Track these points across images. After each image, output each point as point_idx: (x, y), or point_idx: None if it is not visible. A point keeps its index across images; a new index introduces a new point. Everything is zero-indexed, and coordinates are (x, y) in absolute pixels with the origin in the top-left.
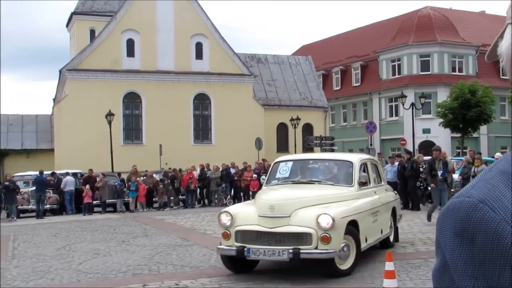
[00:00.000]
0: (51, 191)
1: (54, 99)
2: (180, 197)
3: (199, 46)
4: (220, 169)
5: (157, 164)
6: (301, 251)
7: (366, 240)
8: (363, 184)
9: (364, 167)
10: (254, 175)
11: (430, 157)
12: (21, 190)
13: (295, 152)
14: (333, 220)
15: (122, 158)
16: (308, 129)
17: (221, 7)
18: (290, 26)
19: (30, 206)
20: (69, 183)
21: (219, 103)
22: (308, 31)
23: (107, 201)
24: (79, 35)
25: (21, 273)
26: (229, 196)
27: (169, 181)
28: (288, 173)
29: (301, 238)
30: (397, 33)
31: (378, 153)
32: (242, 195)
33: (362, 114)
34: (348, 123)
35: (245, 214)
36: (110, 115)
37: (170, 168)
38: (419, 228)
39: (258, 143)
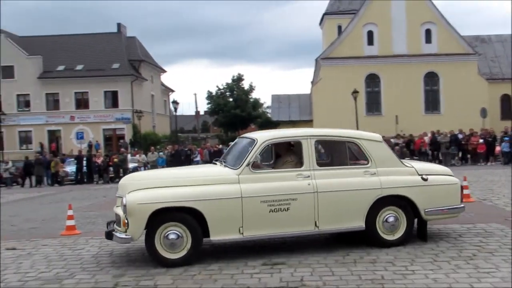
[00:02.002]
0: None
1: (311, 82)
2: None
3: (428, 32)
4: (449, 135)
5: (393, 131)
6: (113, 232)
7: (241, 230)
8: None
9: (287, 146)
10: (480, 140)
11: None
12: None
13: None
14: (125, 205)
15: (365, 127)
16: None
17: None
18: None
19: None
20: None
21: (446, 79)
22: None
23: None
24: (329, 31)
25: None
26: (456, 158)
27: (404, 144)
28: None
29: (118, 219)
30: None
31: None
32: (469, 157)
33: None
34: None
35: None
36: (355, 92)
37: (404, 134)
38: None
39: (483, 112)
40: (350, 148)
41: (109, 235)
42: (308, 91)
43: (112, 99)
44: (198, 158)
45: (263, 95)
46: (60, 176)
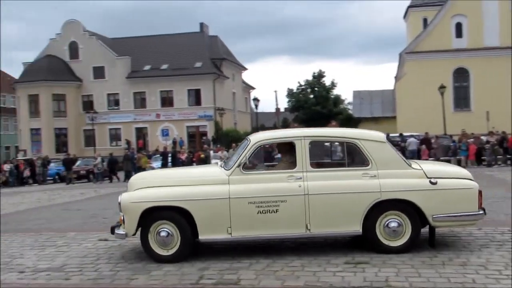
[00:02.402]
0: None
1: (395, 77)
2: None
3: None
4: None
5: (484, 128)
6: (115, 228)
7: (230, 231)
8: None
9: (279, 147)
10: None
11: None
12: None
13: None
14: (119, 203)
15: (453, 123)
16: None
17: None
18: None
19: None
20: (412, 144)
21: None
22: None
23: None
24: (414, 24)
25: None
26: None
27: (495, 142)
28: None
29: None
30: None
31: None
32: None
33: None
34: None
35: None
36: (442, 87)
37: (497, 131)
38: None
39: None
40: (350, 149)
41: (112, 230)
42: (391, 87)
43: (195, 97)
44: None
45: (343, 91)
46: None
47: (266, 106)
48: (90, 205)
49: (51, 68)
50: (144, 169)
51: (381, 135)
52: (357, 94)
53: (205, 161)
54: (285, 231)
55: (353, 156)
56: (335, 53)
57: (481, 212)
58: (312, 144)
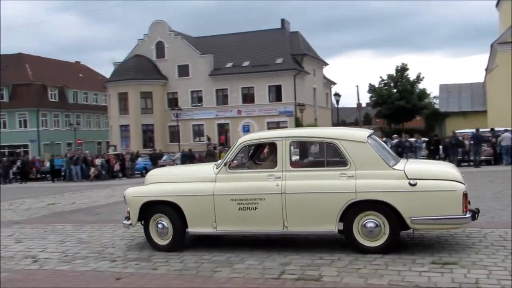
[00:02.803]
0: (485, 144)
1: (486, 69)
2: None
3: None
4: None
5: None
6: (123, 221)
7: (215, 225)
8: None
9: (261, 147)
10: None
11: None
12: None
13: None
14: (124, 196)
15: None
16: None
17: None
18: None
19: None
20: (506, 139)
21: None
22: None
23: None
24: (507, 13)
25: None
26: None
27: None
28: None
29: None
30: None
31: None
32: None
33: None
34: None
35: None
36: None
37: None
38: None
39: None
40: (329, 149)
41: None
42: (481, 79)
43: (276, 93)
44: None
45: (428, 85)
46: None
47: (348, 101)
48: None
49: (139, 67)
50: None
51: (362, 135)
52: (444, 88)
53: None
54: (263, 228)
55: (333, 156)
56: (422, 45)
57: (466, 216)
58: (293, 144)
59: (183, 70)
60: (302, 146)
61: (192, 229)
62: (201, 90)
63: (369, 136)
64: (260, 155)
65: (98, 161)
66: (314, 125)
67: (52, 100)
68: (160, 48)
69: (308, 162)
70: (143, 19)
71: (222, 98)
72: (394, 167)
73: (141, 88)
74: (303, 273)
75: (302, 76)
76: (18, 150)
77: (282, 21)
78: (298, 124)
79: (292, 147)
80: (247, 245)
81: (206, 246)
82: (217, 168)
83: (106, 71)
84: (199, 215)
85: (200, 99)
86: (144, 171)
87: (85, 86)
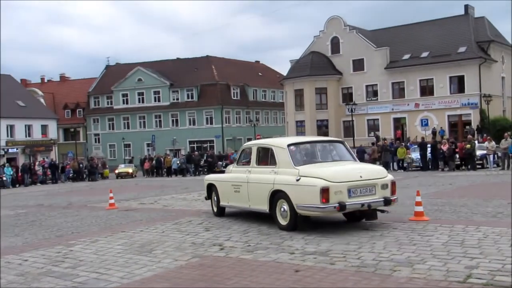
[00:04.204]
0: None
1: None
2: None
3: None
4: None
5: None
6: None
7: (227, 201)
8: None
9: (248, 151)
10: None
11: None
12: None
13: None
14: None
15: None
16: None
17: None
18: None
19: None
20: None
21: None
22: None
23: None
24: None
25: None
26: None
27: None
28: None
29: None
30: None
31: None
32: None
33: None
34: None
35: None
36: None
37: None
38: None
39: None
40: (271, 153)
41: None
42: None
43: (458, 84)
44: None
45: None
46: (405, 162)
47: None
48: None
49: (314, 64)
50: (402, 160)
51: (283, 143)
52: None
53: (471, 152)
54: (241, 205)
55: (273, 158)
56: None
57: (326, 206)
58: (258, 149)
59: (358, 64)
60: (262, 151)
61: (221, 203)
62: (376, 84)
63: (291, 144)
64: (247, 156)
65: None
66: (503, 118)
67: (234, 98)
68: (335, 44)
69: (263, 162)
70: (319, 16)
71: (399, 91)
72: (296, 167)
73: (316, 84)
74: (493, 279)
75: (488, 64)
76: (205, 145)
77: (466, 6)
78: (484, 116)
79: (259, 152)
80: (426, 245)
81: (384, 244)
82: (235, 164)
83: (283, 69)
84: (222, 193)
85: (375, 93)
86: None
87: (264, 84)
